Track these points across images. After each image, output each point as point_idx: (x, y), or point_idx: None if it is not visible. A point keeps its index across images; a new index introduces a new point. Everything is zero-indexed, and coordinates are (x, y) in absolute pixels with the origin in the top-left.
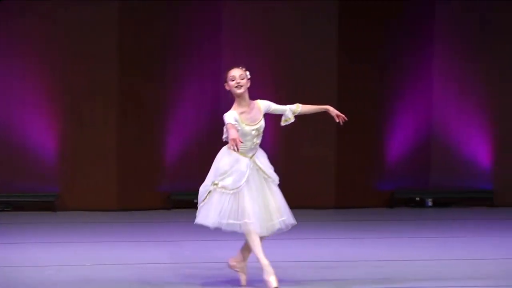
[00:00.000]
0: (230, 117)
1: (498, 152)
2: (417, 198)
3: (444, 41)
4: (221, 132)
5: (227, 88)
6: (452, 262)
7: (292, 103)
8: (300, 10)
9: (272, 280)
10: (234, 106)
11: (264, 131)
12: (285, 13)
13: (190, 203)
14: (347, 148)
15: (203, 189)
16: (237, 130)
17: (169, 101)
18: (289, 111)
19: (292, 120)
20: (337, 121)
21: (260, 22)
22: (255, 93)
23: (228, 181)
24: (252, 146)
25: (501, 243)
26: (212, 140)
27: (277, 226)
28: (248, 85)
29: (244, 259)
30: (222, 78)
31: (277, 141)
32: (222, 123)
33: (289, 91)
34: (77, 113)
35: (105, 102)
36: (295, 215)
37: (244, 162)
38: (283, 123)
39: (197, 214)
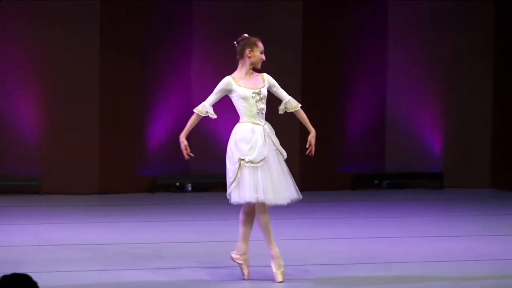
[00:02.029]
0: (210, 99)
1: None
2: (177, 183)
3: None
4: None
5: (248, 54)
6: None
7: None
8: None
9: (280, 273)
10: (236, 71)
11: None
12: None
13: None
14: (110, 138)
15: (232, 167)
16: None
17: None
18: (289, 102)
19: (290, 110)
20: (306, 147)
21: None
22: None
23: (253, 154)
24: (258, 111)
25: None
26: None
27: (287, 199)
28: None
29: (246, 251)
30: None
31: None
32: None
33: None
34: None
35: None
36: None
37: (258, 131)
38: (281, 111)
39: (229, 193)
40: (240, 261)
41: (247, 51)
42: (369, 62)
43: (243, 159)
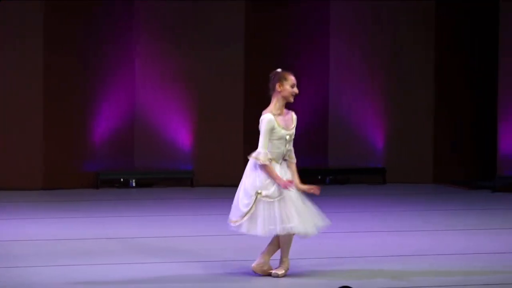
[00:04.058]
0: (264, 143)
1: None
2: (122, 179)
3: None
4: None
5: (278, 89)
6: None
7: None
8: None
9: (280, 272)
10: (272, 107)
11: None
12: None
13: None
14: (53, 134)
15: (246, 201)
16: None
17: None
18: (291, 151)
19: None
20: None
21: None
22: None
23: (271, 189)
24: (285, 152)
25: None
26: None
27: (319, 224)
28: None
29: (266, 263)
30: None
31: None
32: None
33: None
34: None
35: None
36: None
37: (277, 168)
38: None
39: (240, 224)
40: (259, 272)
41: (277, 85)
42: (312, 58)
43: (259, 193)
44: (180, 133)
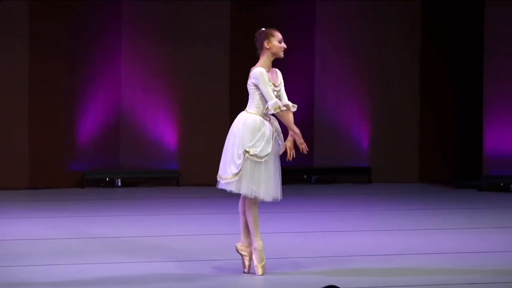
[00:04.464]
0: (266, 84)
1: (183, 134)
2: (107, 179)
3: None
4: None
5: (267, 46)
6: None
7: None
8: None
9: (260, 267)
10: (261, 63)
11: None
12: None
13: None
14: (39, 133)
15: (238, 161)
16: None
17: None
18: (271, 104)
19: (272, 112)
20: (301, 151)
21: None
22: None
23: (257, 148)
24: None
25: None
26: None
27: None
28: None
29: (250, 243)
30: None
31: None
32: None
33: None
34: None
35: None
36: None
37: (267, 127)
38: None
39: (230, 183)
40: (244, 253)
41: (265, 43)
42: (297, 57)
43: (248, 151)
44: (166, 132)
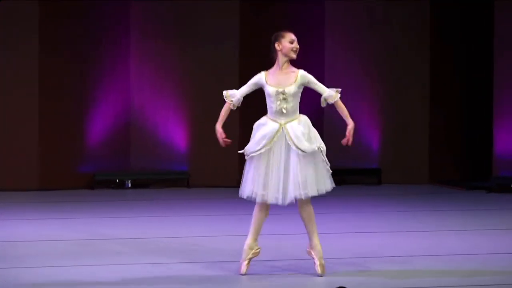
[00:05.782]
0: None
1: (193, 135)
2: (117, 180)
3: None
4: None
5: (277, 47)
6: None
7: None
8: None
9: (243, 265)
10: (273, 67)
11: None
12: None
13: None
14: (49, 135)
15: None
16: (231, 102)
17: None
18: (328, 94)
19: (331, 102)
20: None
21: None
22: None
23: (247, 146)
24: (278, 110)
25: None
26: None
27: (291, 197)
28: None
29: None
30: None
31: None
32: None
33: None
34: None
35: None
36: None
37: (270, 126)
38: (323, 104)
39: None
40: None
41: (276, 44)
42: (306, 58)
43: (242, 152)
44: (176, 133)
